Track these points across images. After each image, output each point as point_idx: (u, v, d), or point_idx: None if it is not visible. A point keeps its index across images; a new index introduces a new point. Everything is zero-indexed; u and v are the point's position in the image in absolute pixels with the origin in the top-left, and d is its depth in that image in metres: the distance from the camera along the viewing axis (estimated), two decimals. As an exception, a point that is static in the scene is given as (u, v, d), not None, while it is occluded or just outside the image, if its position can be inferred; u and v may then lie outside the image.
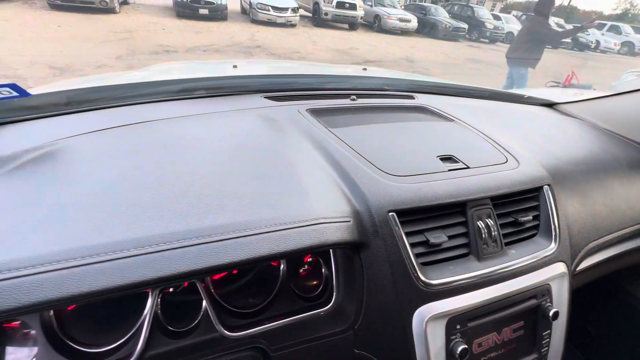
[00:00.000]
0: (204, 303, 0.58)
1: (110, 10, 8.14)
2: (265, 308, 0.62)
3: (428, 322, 0.59)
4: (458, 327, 0.61)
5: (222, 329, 0.55)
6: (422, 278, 0.60)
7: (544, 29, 3.56)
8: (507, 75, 3.85)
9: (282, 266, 0.66)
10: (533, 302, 0.69)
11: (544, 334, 0.71)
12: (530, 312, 0.69)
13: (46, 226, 0.46)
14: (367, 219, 0.59)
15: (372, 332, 0.61)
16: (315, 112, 0.95)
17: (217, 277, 0.63)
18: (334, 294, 0.64)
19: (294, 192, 0.60)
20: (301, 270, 0.72)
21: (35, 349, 0.50)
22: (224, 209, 0.53)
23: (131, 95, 0.93)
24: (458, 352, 0.59)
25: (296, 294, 0.65)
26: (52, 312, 0.52)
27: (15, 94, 0.67)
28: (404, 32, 12.12)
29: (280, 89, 1.10)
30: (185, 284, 0.61)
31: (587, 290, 0.87)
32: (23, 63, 4.47)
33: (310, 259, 0.72)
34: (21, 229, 0.46)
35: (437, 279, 0.61)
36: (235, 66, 1.52)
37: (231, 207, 0.54)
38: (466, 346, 0.60)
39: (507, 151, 0.84)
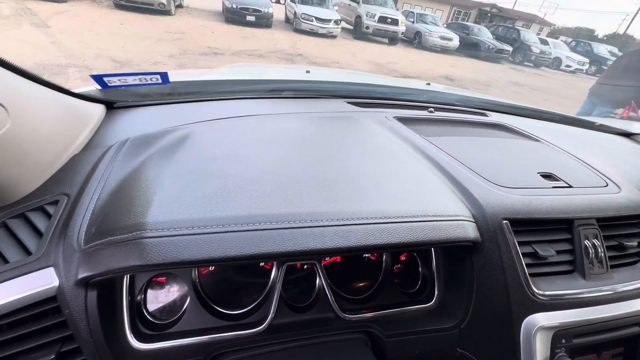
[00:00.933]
0: (318, 284, 0.63)
1: (166, 12, 8.75)
2: (373, 296, 0.65)
3: (537, 331, 0.60)
4: (563, 341, 0.61)
5: (339, 309, 0.58)
6: (533, 287, 0.61)
7: None
8: (583, 105, 3.54)
9: (384, 257, 0.69)
10: (636, 329, 0.67)
11: None
12: (632, 339, 0.68)
13: (240, 196, 0.52)
14: (482, 224, 0.62)
15: (477, 334, 0.62)
16: (403, 120, 0.99)
17: (325, 262, 0.68)
18: (436, 291, 0.67)
19: (425, 190, 0.63)
20: (395, 268, 0.75)
21: (184, 302, 0.56)
22: (384, 197, 0.58)
23: (236, 90, 1.02)
24: None
25: (397, 288, 0.68)
26: (196, 273, 0.58)
27: (159, 81, 0.76)
28: (444, 50, 12.02)
29: (362, 96, 1.16)
30: (298, 264, 0.66)
31: None
32: (90, 55, 4.88)
33: (404, 258, 0.75)
34: (214, 198, 0.52)
35: (547, 291, 0.62)
36: (308, 72, 1.60)
37: (387, 196, 0.58)
38: None
39: (605, 175, 0.84)
